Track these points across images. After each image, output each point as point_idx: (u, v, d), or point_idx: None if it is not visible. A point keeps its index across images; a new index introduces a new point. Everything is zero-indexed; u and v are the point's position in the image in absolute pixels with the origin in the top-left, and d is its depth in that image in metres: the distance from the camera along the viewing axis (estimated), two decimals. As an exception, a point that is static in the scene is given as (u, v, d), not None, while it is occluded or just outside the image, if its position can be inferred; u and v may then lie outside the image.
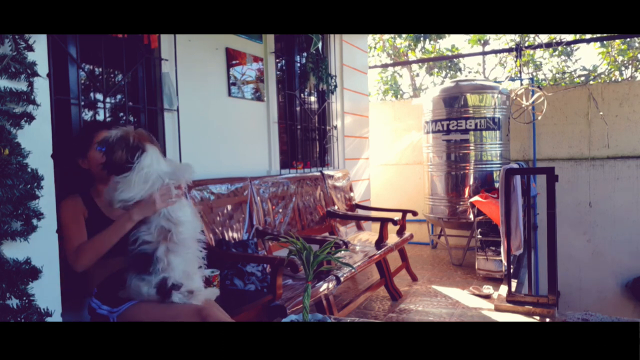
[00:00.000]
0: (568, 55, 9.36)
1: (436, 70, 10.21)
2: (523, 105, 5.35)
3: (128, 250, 1.57)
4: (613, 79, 8.63)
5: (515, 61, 5.77)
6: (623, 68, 8.71)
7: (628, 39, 7.96)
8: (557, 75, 9.20)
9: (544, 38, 7.21)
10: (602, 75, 8.63)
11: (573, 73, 9.09)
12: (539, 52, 9.15)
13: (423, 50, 10.07)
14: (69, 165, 1.78)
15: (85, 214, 1.70)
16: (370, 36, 9.62)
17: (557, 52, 9.16)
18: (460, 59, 10.22)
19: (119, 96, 2.47)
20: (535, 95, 5.26)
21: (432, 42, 9.83)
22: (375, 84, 10.81)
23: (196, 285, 1.64)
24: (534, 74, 8.86)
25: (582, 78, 8.64)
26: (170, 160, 1.70)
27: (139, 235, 1.56)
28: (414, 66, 10.54)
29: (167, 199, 1.57)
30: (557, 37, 7.22)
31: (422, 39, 9.59)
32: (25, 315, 1.18)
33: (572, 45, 8.93)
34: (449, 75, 10.03)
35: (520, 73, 5.82)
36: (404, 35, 9.75)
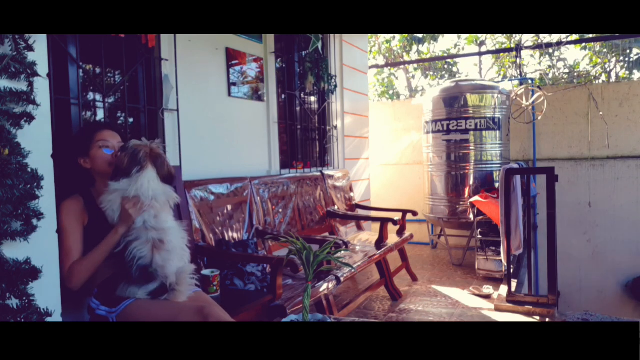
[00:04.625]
0: (550, 55, 9.37)
1: (431, 73, 10.23)
2: (523, 105, 5.35)
3: (127, 269, 1.61)
4: (601, 78, 8.63)
5: (514, 60, 5.77)
6: (608, 67, 8.71)
7: (610, 42, 7.98)
8: (545, 76, 9.20)
9: (535, 40, 7.23)
10: (590, 75, 8.63)
11: (559, 75, 9.08)
12: (527, 53, 9.16)
13: (418, 53, 10.09)
14: (69, 164, 1.78)
15: (85, 220, 1.69)
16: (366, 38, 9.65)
17: (544, 54, 9.18)
18: (456, 63, 10.25)
19: (118, 96, 2.47)
20: (535, 95, 5.26)
21: (427, 43, 9.84)
22: (371, 86, 10.83)
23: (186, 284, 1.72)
24: (530, 74, 8.87)
25: (566, 76, 8.63)
26: (165, 186, 1.76)
27: (135, 253, 1.61)
28: (410, 68, 10.56)
29: (138, 207, 1.63)
30: (552, 38, 7.24)
31: (415, 41, 9.62)
32: (25, 315, 1.18)
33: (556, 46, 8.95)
34: (444, 78, 10.05)
35: (520, 73, 5.83)
36: (397, 38, 9.78)
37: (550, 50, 8.95)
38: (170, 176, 1.77)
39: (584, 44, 7.91)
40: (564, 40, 6.98)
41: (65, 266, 1.60)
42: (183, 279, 1.68)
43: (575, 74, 8.88)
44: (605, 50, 8.38)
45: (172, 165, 1.81)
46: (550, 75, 9.01)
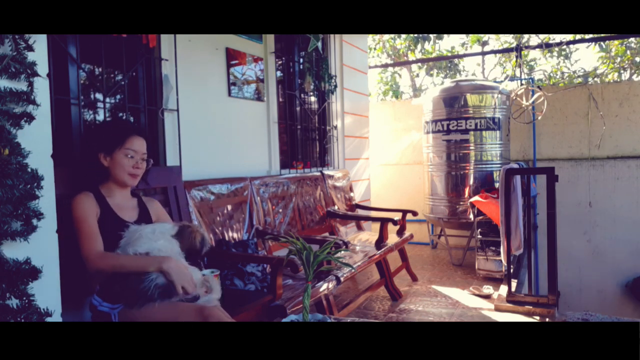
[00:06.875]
0: (566, 57, 9.35)
1: (436, 70, 10.23)
2: (523, 105, 5.35)
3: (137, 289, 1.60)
4: (612, 80, 8.63)
5: (515, 61, 5.77)
6: (622, 70, 8.70)
7: (625, 40, 7.97)
8: (553, 76, 9.19)
9: (541, 39, 7.21)
10: (602, 77, 8.62)
11: (572, 74, 9.09)
12: (535, 54, 9.15)
13: (423, 52, 10.09)
14: (87, 156, 1.79)
15: (97, 213, 1.70)
16: (370, 37, 9.66)
17: (554, 54, 9.16)
18: (460, 60, 10.25)
19: (118, 96, 2.47)
20: (535, 95, 5.26)
21: (430, 42, 9.85)
22: (375, 84, 10.83)
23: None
24: (532, 74, 8.86)
25: (581, 79, 8.63)
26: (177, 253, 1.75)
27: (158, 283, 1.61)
28: (414, 67, 10.56)
29: (190, 285, 1.63)
30: (555, 37, 7.23)
31: (420, 39, 9.61)
32: (25, 315, 1.18)
33: (571, 47, 8.91)
34: (448, 76, 10.05)
35: (520, 73, 5.82)
36: (403, 37, 9.78)
37: (561, 48, 8.93)
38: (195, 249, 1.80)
39: (593, 43, 7.87)
40: (570, 39, 6.96)
41: (89, 250, 1.61)
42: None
43: (583, 72, 8.88)
44: (619, 56, 8.36)
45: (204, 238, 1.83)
46: (567, 78, 9.00)
